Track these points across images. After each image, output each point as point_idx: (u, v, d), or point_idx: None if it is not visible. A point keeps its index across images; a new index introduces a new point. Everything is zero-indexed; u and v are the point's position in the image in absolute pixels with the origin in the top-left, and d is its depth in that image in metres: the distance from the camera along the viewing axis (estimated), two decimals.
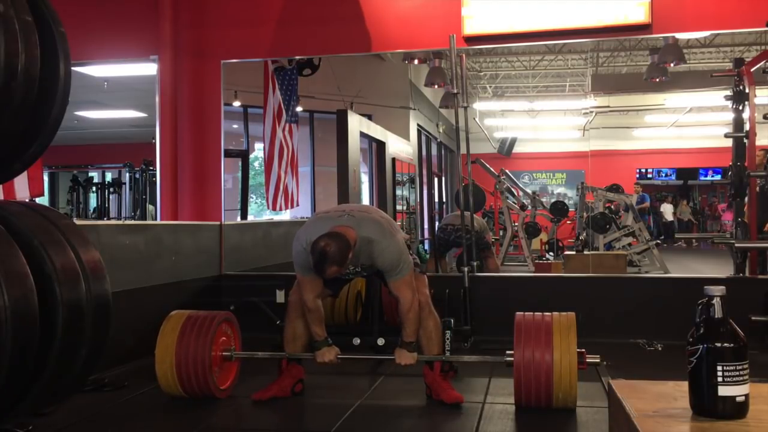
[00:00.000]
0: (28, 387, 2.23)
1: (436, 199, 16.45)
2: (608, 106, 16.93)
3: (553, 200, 15.42)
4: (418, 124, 14.14)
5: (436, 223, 15.20)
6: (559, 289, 5.43)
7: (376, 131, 11.00)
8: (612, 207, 12.36)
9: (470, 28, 5.47)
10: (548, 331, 3.19)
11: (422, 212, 14.68)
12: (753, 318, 4.50)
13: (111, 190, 14.99)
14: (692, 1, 5.25)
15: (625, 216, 11.65)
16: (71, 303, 2.30)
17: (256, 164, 11.83)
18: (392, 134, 11.83)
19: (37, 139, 2.42)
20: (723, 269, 7.72)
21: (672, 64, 10.43)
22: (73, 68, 2.46)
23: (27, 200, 5.46)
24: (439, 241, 7.73)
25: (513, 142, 20.53)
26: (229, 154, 8.01)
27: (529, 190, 13.60)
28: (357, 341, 3.84)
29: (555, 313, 3.32)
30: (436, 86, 11.41)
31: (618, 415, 1.72)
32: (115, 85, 10.17)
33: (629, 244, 11.30)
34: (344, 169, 9.28)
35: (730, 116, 5.80)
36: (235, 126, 10.59)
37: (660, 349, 4.67)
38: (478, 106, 16.64)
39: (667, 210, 19.65)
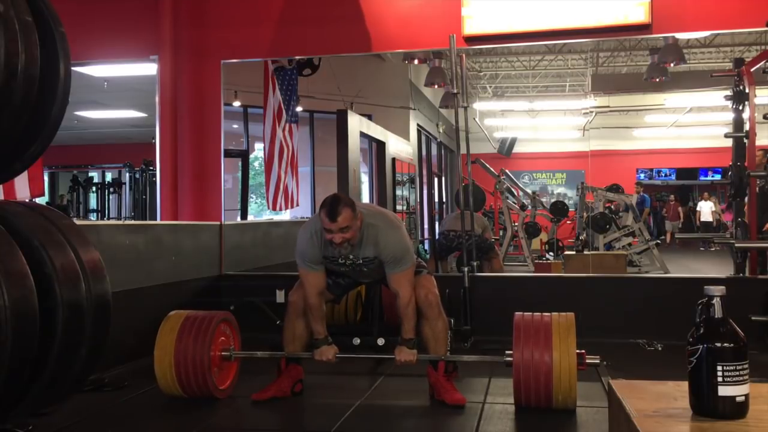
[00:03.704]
0: (28, 387, 2.23)
1: (436, 199, 16.44)
2: (608, 106, 16.93)
3: (553, 200, 15.42)
4: (418, 124, 14.14)
5: (436, 224, 15.20)
6: (559, 289, 5.43)
7: (376, 131, 11.00)
8: (612, 207, 12.36)
9: (470, 28, 5.47)
10: (547, 332, 3.19)
11: (422, 212, 14.67)
12: (753, 318, 4.50)
13: (111, 190, 15.00)
14: (692, 1, 5.24)
15: (625, 216, 11.66)
16: (71, 303, 2.30)
17: (256, 164, 11.83)
18: (392, 134, 11.83)
19: (37, 139, 2.41)
20: None
21: (672, 64, 10.43)
22: (73, 68, 2.46)
23: (27, 200, 5.45)
24: (440, 246, 7.69)
25: (513, 142, 20.53)
26: (229, 154, 8.01)
27: (529, 190, 13.61)
28: (357, 341, 3.84)
29: (554, 314, 3.32)
30: (436, 86, 11.41)
31: (618, 415, 1.72)
32: (115, 85, 10.17)
33: (629, 244, 11.31)
34: (344, 169, 9.28)
35: (730, 116, 5.80)
36: (235, 126, 10.59)
37: (660, 349, 4.67)
38: (478, 106, 16.64)
39: (704, 208, 17.55)
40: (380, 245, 3.29)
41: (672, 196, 19.36)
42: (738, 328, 1.53)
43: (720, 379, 1.49)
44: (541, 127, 20.10)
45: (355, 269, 3.45)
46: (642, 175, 20.92)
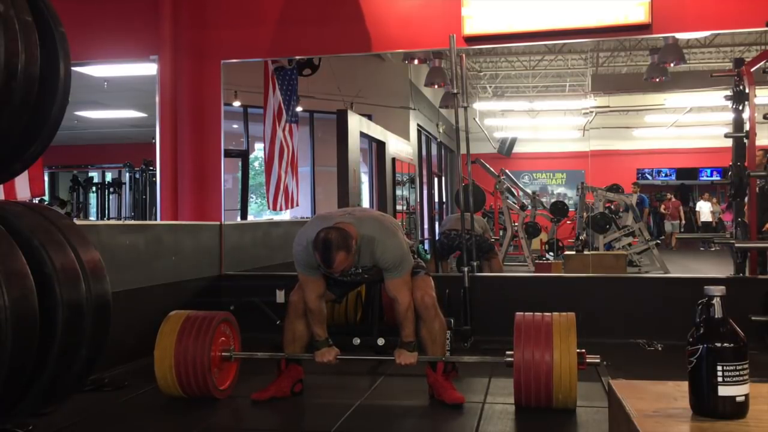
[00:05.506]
0: (28, 387, 2.23)
1: (436, 199, 16.44)
2: (608, 106, 16.93)
3: (553, 200, 15.42)
4: (418, 124, 14.14)
5: (436, 224, 15.20)
6: (559, 289, 5.43)
7: (376, 131, 11.01)
8: (612, 207, 12.36)
9: (470, 28, 5.47)
10: (548, 332, 3.19)
11: (422, 212, 14.67)
12: (753, 318, 4.50)
13: (111, 190, 15.00)
14: (692, 1, 5.24)
15: (625, 216, 11.65)
16: (71, 303, 2.30)
17: (256, 164, 11.83)
18: (392, 134, 11.83)
19: (37, 139, 2.41)
20: None
21: (672, 64, 10.44)
22: (73, 68, 2.46)
23: (27, 200, 5.45)
24: (441, 246, 7.69)
25: (513, 142, 20.53)
26: (229, 154, 8.01)
27: (529, 190, 13.60)
28: (357, 341, 3.84)
29: (555, 314, 3.32)
30: (436, 86, 11.42)
31: (618, 415, 1.72)
32: (115, 85, 10.17)
33: (629, 244, 11.31)
34: (344, 169, 9.28)
35: (730, 116, 5.80)
36: (235, 126, 10.59)
37: (660, 349, 4.67)
38: (478, 106, 16.64)
39: (704, 208, 17.24)
40: (377, 255, 3.28)
41: (670, 195, 18.91)
42: (738, 328, 1.53)
43: (720, 379, 1.49)
44: (541, 127, 20.10)
45: (356, 278, 3.45)
46: (640, 177, 20.87)
